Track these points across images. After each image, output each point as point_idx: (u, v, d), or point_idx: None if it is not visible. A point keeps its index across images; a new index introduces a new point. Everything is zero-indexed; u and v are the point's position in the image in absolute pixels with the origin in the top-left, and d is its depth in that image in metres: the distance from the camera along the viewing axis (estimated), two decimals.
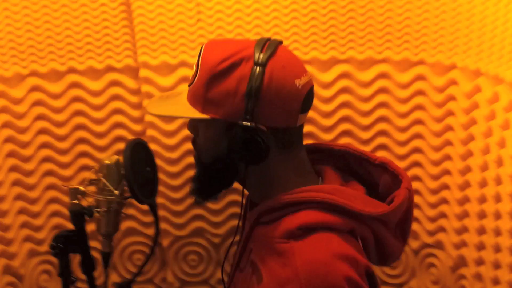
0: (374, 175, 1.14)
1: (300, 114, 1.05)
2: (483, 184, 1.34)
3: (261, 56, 1.02)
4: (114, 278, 1.69)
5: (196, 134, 1.16)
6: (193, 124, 1.16)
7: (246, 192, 1.14)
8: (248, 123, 1.00)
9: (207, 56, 1.07)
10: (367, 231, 1.02)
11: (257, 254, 1.06)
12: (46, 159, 1.57)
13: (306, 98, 1.05)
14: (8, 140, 1.47)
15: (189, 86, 1.10)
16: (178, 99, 1.17)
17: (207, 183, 1.17)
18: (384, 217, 1.02)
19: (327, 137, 1.58)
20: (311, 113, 1.54)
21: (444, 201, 1.53)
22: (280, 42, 1.09)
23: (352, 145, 1.17)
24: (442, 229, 1.55)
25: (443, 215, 1.54)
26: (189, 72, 1.52)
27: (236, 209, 1.62)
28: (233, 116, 1.02)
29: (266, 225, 1.07)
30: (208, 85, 1.05)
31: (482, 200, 1.34)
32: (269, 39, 1.08)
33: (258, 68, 1.01)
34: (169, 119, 1.55)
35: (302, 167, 1.11)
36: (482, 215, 1.35)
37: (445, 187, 1.52)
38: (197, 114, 1.07)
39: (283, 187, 1.08)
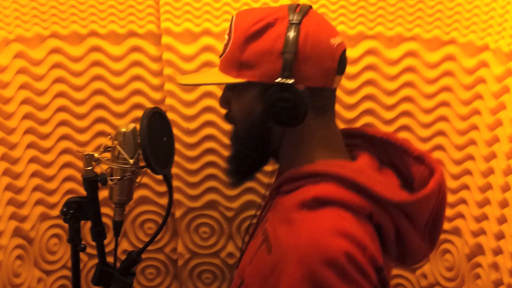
0: (411, 168, 1.09)
1: (336, 74, 1.04)
2: (508, 172, 1.30)
3: (296, 16, 1.01)
4: (125, 245, 1.68)
5: (229, 108, 1.14)
6: (225, 97, 1.14)
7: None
8: (287, 81, 0.98)
9: (240, 21, 1.06)
10: (387, 220, 0.98)
11: (271, 222, 1.04)
12: (63, 123, 1.56)
13: (342, 58, 1.04)
14: (25, 102, 1.45)
15: (220, 57, 1.09)
16: (209, 71, 1.17)
17: (245, 161, 1.15)
18: (408, 207, 0.97)
19: (349, 115, 1.54)
20: None
21: (465, 187, 1.49)
22: (311, 6, 1.08)
23: (394, 135, 1.13)
24: (461, 215, 1.51)
25: (463, 201, 1.50)
26: (212, 41, 1.49)
27: (251, 184, 1.60)
28: (270, 76, 1.01)
29: (285, 195, 1.05)
30: (243, 46, 1.04)
31: (505, 188, 1.31)
32: (301, 4, 1.06)
33: (294, 26, 1.00)
34: (192, 88, 1.53)
35: (333, 140, 1.09)
36: (504, 204, 1.31)
37: (468, 172, 1.48)
38: (232, 80, 1.06)
39: (309, 157, 1.06)
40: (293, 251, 0.91)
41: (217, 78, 1.10)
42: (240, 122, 1.12)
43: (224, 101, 1.15)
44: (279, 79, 0.99)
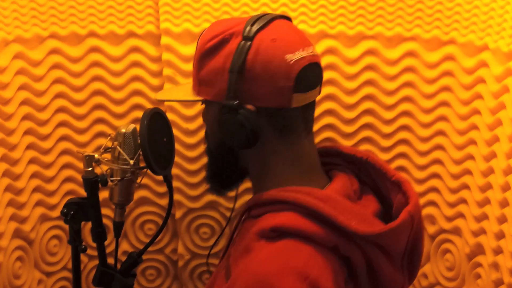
0: (390, 193, 1.05)
1: (294, 93, 0.97)
2: (508, 171, 1.30)
3: (250, 29, 0.97)
4: (125, 246, 1.68)
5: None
6: (202, 112, 1.14)
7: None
8: (232, 102, 0.95)
9: (202, 36, 1.04)
10: (356, 251, 0.93)
11: (235, 247, 1.01)
12: (62, 124, 1.55)
13: (302, 75, 0.97)
14: (25, 102, 1.45)
15: None
16: (184, 86, 1.15)
17: (217, 172, 1.15)
18: (378, 239, 0.92)
19: (349, 115, 1.54)
20: (332, 90, 1.51)
21: (466, 186, 1.49)
22: (279, 17, 1.04)
23: (373, 155, 1.09)
24: (461, 215, 1.51)
25: (463, 201, 1.50)
26: None
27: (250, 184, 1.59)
28: (221, 96, 0.98)
29: (253, 219, 1.02)
30: (200, 63, 1.02)
31: (506, 188, 1.31)
32: (267, 14, 1.02)
33: (244, 42, 0.96)
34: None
35: (303, 161, 1.04)
36: (504, 204, 1.31)
37: (468, 172, 1.48)
38: (191, 97, 1.04)
39: (277, 180, 1.02)
40: (241, 286, 0.88)
41: (182, 95, 1.09)
42: (210, 138, 1.12)
43: (202, 116, 1.15)
44: (225, 100, 0.96)
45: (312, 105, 1.06)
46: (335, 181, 1.05)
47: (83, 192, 1.18)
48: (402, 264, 1.01)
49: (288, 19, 1.08)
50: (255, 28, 0.97)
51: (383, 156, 1.58)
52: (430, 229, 1.60)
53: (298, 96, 0.98)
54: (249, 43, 0.96)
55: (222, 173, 1.15)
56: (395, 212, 1.02)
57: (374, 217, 0.99)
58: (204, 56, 1.02)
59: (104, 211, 1.31)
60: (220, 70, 0.98)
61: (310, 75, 1.00)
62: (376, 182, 1.09)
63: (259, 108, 0.97)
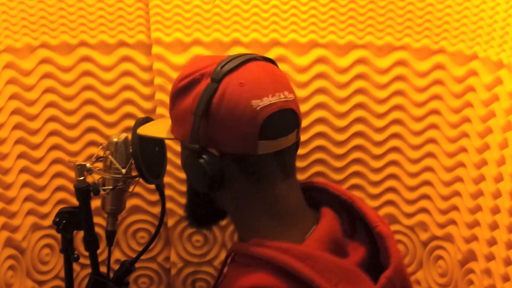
0: (377, 241, 1.00)
1: (259, 140, 0.94)
2: (499, 179, 1.30)
3: (220, 71, 0.94)
4: (117, 255, 1.67)
5: None
6: None
7: None
8: (194, 146, 0.94)
9: (180, 73, 1.02)
10: None
11: None
12: (53, 133, 1.55)
13: (268, 123, 0.93)
14: (16, 112, 1.44)
15: None
16: (165, 121, 1.13)
17: (193, 211, 1.13)
18: None
19: (340, 123, 1.54)
20: (324, 98, 1.51)
21: (457, 194, 1.50)
22: (257, 58, 1.01)
23: (357, 200, 1.04)
24: (453, 222, 1.52)
25: (455, 208, 1.51)
26: (202, 51, 1.49)
27: None
28: (187, 137, 0.96)
29: (238, 265, 0.99)
30: (173, 102, 1.01)
31: (497, 195, 1.31)
32: (244, 55, 1.00)
33: (211, 84, 0.93)
34: None
35: (279, 207, 1.00)
36: (495, 211, 1.32)
37: (459, 179, 1.49)
38: (164, 135, 1.03)
39: (256, 228, 1.00)
40: None
41: (158, 131, 1.08)
42: (186, 177, 1.09)
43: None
44: (187, 142, 0.95)
45: (289, 150, 1.02)
46: (321, 224, 1.00)
47: (74, 201, 1.18)
48: None
49: (270, 60, 1.04)
50: (224, 70, 0.94)
51: (375, 164, 1.58)
52: (422, 235, 1.61)
53: (265, 143, 0.95)
54: (216, 85, 0.93)
55: (197, 213, 1.13)
56: (382, 261, 0.99)
57: (359, 272, 0.94)
58: (176, 95, 1.00)
59: (96, 219, 1.31)
60: (188, 111, 0.96)
61: (279, 122, 0.96)
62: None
63: (224, 153, 0.95)
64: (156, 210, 1.63)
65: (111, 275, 1.24)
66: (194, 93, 0.95)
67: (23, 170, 1.48)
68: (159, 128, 1.14)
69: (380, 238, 0.98)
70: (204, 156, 0.93)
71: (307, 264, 0.88)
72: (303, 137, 1.54)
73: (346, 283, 0.89)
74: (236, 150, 0.95)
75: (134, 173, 1.14)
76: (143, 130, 1.12)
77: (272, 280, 0.88)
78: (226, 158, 0.95)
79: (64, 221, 1.18)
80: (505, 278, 1.26)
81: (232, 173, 0.97)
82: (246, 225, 1.02)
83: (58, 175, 1.58)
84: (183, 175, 1.57)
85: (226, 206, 1.05)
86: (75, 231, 1.21)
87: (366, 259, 0.98)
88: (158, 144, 1.19)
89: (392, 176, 1.60)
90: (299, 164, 1.56)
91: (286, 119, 0.98)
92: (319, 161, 1.59)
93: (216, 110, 0.93)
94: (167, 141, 1.49)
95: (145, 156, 1.10)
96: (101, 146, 1.17)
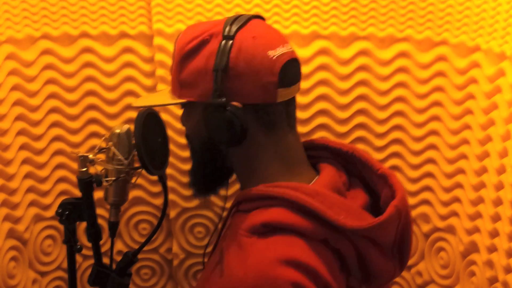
0: (377, 185, 1.07)
1: (278, 88, 1.00)
2: (501, 170, 1.31)
3: (230, 30, 0.99)
4: (120, 246, 1.68)
5: (185, 126, 1.15)
6: (181, 116, 1.15)
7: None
8: (219, 100, 0.96)
9: (179, 39, 1.06)
10: (345, 244, 0.95)
11: (226, 243, 1.02)
12: (55, 124, 1.55)
13: (285, 70, 1.00)
14: (17, 103, 1.44)
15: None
16: (162, 92, 1.17)
17: (202, 176, 1.15)
18: (366, 232, 0.94)
19: (342, 115, 1.54)
20: (326, 90, 1.51)
21: (459, 185, 1.50)
22: (255, 16, 1.06)
23: (358, 149, 1.11)
24: (455, 214, 1.52)
25: (457, 200, 1.51)
26: None
27: None
28: (206, 95, 0.99)
29: (243, 213, 1.02)
30: (181, 66, 1.03)
31: (499, 187, 1.31)
32: (243, 15, 1.05)
33: (226, 41, 0.98)
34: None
35: (289, 156, 1.07)
36: (497, 202, 1.32)
37: (461, 171, 1.49)
38: (175, 101, 1.05)
39: (265, 175, 1.04)
40: (240, 283, 0.89)
41: (164, 99, 1.10)
42: (193, 140, 1.14)
43: (181, 119, 1.16)
44: (212, 99, 0.97)
45: (293, 101, 1.08)
46: (323, 174, 1.06)
47: (76, 192, 1.18)
48: (393, 253, 1.02)
49: (262, 18, 1.11)
50: (234, 27, 0.99)
51: (377, 156, 1.58)
52: (424, 227, 1.61)
53: (282, 91, 1.01)
54: (230, 42, 0.98)
55: (207, 176, 1.15)
56: (382, 204, 1.04)
57: (362, 210, 1.01)
58: (184, 58, 1.03)
59: (99, 211, 1.31)
60: (202, 71, 1.00)
61: (292, 70, 1.04)
62: (363, 174, 1.11)
63: (245, 105, 0.98)
64: (159, 201, 1.63)
65: (114, 266, 1.24)
66: (207, 52, 0.99)
67: (25, 161, 1.48)
68: (156, 99, 1.19)
69: (383, 178, 1.04)
70: (229, 109, 0.97)
71: (317, 199, 0.94)
72: (305, 130, 1.55)
73: (353, 218, 0.94)
74: (256, 100, 1.00)
75: (136, 165, 1.14)
76: (141, 102, 1.18)
77: (287, 214, 0.94)
78: (246, 109, 0.99)
79: (67, 212, 1.18)
80: (507, 270, 1.27)
81: (251, 123, 1.00)
82: (257, 175, 1.06)
83: (60, 166, 1.58)
84: (185, 167, 1.57)
85: (238, 159, 1.08)
86: (77, 222, 1.20)
87: (366, 207, 1.05)
88: (160, 135, 1.19)
89: (394, 167, 1.60)
90: None
91: (295, 68, 1.06)
92: None
93: (234, 64, 0.97)
94: (170, 134, 1.49)
95: (148, 147, 1.10)
96: (103, 138, 1.17)
